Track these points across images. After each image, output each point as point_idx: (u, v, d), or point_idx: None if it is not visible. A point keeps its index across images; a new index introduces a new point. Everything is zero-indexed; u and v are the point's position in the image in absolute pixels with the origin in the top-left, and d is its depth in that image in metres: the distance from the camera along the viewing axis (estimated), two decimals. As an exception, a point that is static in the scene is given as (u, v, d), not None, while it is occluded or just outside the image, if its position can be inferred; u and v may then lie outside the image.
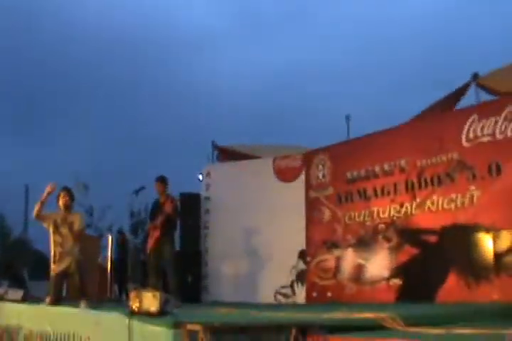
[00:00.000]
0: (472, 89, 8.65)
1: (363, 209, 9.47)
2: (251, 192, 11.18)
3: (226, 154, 12.67)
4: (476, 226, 7.78)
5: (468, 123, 8.12)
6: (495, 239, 7.54)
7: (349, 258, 9.63)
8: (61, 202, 8.24)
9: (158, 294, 4.64)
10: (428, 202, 8.51)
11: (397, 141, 9.15)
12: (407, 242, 8.79)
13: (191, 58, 69.00)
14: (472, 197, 7.91)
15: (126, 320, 4.53)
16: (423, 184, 8.64)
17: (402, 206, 8.87)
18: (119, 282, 14.45)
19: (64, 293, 8.80)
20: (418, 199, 8.66)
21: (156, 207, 9.97)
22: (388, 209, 9.06)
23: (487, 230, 7.64)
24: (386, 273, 8.93)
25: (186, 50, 71.51)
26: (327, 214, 10.08)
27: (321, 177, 10.35)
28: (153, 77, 64.99)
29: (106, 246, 13.41)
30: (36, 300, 9.06)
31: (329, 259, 9.93)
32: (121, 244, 14.89)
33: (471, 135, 8.06)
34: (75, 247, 8.11)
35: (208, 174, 12.08)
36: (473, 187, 7.93)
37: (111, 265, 12.80)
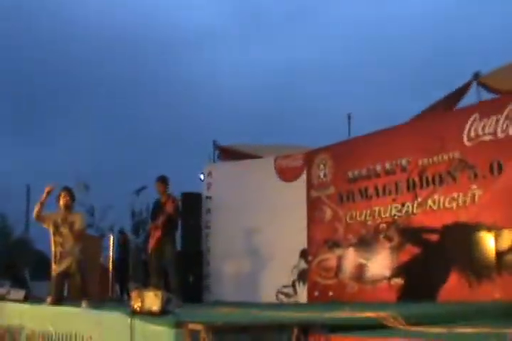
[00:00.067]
0: (473, 88, 8.64)
1: (364, 208, 9.46)
2: (252, 191, 11.18)
3: (227, 154, 12.67)
4: (477, 225, 7.78)
5: (469, 122, 8.11)
6: (496, 238, 7.53)
7: (350, 258, 9.63)
8: (61, 202, 8.24)
9: (159, 293, 4.64)
10: (429, 201, 8.50)
11: (399, 140, 9.15)
12: (409, 241, 8.79)
13: (192, 57, 68.99)
14: (474, 196, 7.91)
15: (128, 320, 4.53)
16: (424, 183, 8.63)
17: (403, 205, 8.87)
18: (120, 282, 14.47)
19: (65, 293, 8.81)
20: (419, 199, 8.65)
21: (157, 207, 9.97)
22: (390, 209, 9.06)
23: (489, 229, 7.63)
24: (387, 273, 8.93)
25: (187, 49, 71.53)
26: (328, 213, 10.08)
27: (322, 176, 10.35)
28: (154, 76, 64.97)
29: (107, 246, 13.45)
30: (38, 300, 9.07)
31: (331, 258, 9.93)
32: (122, 244, 14.90)
33: (473, 134, 8.06)
34: (76, 247, 8.11)
35: (210, 173, 12.08)
36: (474, 186, 7.92)
37: (112, 265, 12.83)
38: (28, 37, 61.80)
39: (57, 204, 8.31)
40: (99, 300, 9.60)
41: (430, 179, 8.55)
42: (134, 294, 4.81)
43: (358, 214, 9.55)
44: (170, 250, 9.75)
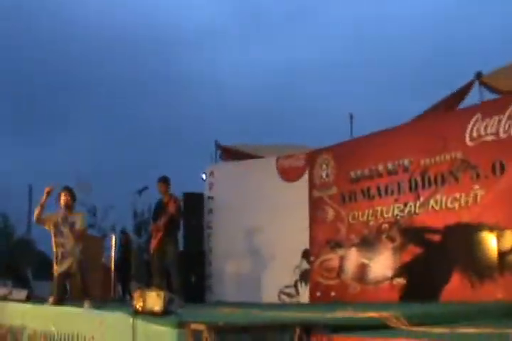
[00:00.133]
0: (476, 88, 8.64)
1: (366, 208, 9.46)
2: (254, 191, 11.18)
3: (229, 154, 12.67)
4: (479, 226, 7.77)
5: (471, 122, 8.10)
6: (499, 238, 7.52)
7: (353, 258, 9.62)
8: (62, 202, 8.23)
9: (162, 294, 4.64)
10: (432, 202, 8.50)
11: (401, 141, 9.14)
12: (411, 241, 8.78)
13: (192, 57, 68.98)
14: (476, 196, 7.90)
15: (130, 320, 4.53)
16: (427, 183, 8.63)
17: (405, 205, 8.86)
18: (122, 282, 14.46)
19: (68, 293, 8.82)
20: (422, 199, 8.65)
21: (160, 207, 9.98)
22: (392, 209, 9.05)
23: (491, 229, 7.62)
24: (390, 273, 8.92)
25: (187, 49, 71.50)
26: (331, 213, 10.07)
27: (324, 176, 10.35)
28: (154, 76, 64.97)
29: (109, 247, 13.44)
30: (40, 300, 9.07)
31: (333, 259, 9.92)
32: (124, 244, 14.90)
33: (475, 134, 8.05)
34: (77, 247, 8.11)
35: (212, 173, 12.08)
36: (477, 187, 7.92)
37: (114, 265, 12.83)
38: (28, 37, 61.83)
39: (58, 204, 8.31)
40: (101, 300, 9.60)
41: (432, 179, 8.54)
42: (136, 294, 4.81)
43: (360, 214, 9.54)
44: (172, 250, 9.76)
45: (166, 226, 9.69)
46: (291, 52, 68.73)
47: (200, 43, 73.01)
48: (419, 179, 8.73)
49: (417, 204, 8.70)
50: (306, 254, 10.41)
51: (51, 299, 7.91)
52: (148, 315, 4.55)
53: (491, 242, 7.62)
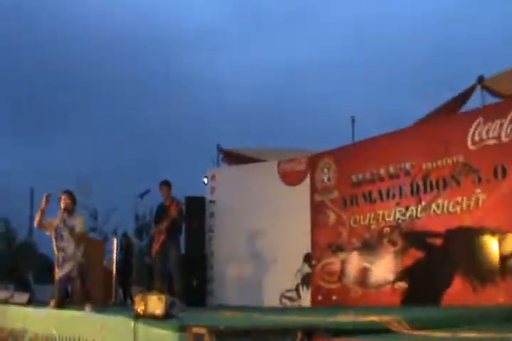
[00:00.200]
0: (477, 92, 8.64)
1: (368, 212, 9.45)
2: (256, 195, 11.17)
3: (231, 157, 12.67)
4: (481, 230, 7.76)
5: (473, 126, 8.10)
6: (501, 242, 7.52)
7: (354, 262, 9.61)
8: (62, 206, 8.23)
9: (163, 297, 4.64)
10: (433, 206, 8.49)
11: (403, 144, 9.14)
12: (413, 245, 8.77)
13: (192, 57, 68.97)
14: (478, 200, 7.89)
15: (132, 323, 4.53)
16: (428, 187, 8.62)
17: (407, 209, 8.86)
18: (123, 285, 14.45)
19: (69, 297, 8.81)
20: (423, 203, 8.64)
21: (161, 211, 10.00)
22: (393, 213, 9.05)
23: (493, 233, 7.61)
24: (391, 277, 8.91)
25: (187, 49, 71.45)
26: (332, 217, 10.07)
27: (326, 180, 10.34)
28: (154, 76, 64.95)
29: (111, 250, 13.43)
30: (41, 303, 9.07)
31: (334, 263, 9.91)
32: (125, 248, 14.88)
33: (477, 138, 8.05)
34: (78, 251, 8.10)
35: (213, 177, 12.08)
36: (478, 190, 7.91)
37: (116, 268, 12.82)
38: (28, 37, 61.76)
39: (59, 207, 8.30)
40: (103, 304, 9.60)
41: (434, 183, 8.54)
42: (137, 298, 4.81)
43: (361, 218, 9.53)
44: (174, 254, 9.77)
45: (168, 230, 9.71)
46: (291, 52, 68.68)
47: (200, 43, 72.90)
48: (420, 183, 8.72)
49: (419, 208, 8.69)
50: (307, 258, 10.40)
51: (52, 303, 7.91)
52: (149, 318, 4.55)
53: (492, 246, 7.61)
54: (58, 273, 8.09)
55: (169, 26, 68.78)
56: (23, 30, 62.55)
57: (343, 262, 9.77)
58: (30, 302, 9.21)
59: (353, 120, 10.72)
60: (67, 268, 8.04)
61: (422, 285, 8.49)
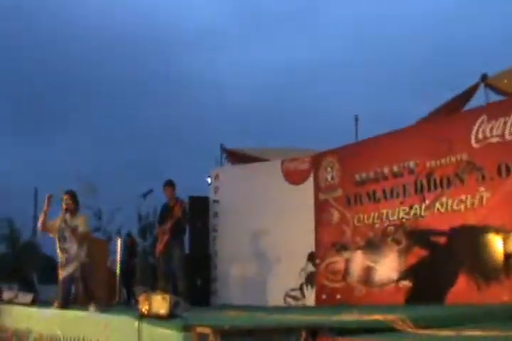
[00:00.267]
0: (481, 90, 8.63)
1: (372, 211, 9.44)
2: (259, 194, 11.17)
3: (235, 157, 12.67)
4: (485, 228, 7.75)
5: (477, 124, 8.09)
6: (505, 240, 7.51)
7: (358, 261, 9.60)
8: (64, 206, 8.21)
9: (167, 297, 4.64)
10: (437, 204, 8.48)
11: (406, 143, 9.12)
12: (417, 244, 8.76)
13: (192, 57, 68.96)
14: (482, 198, 7.88)
15: (136, 323, 4.52)
16: (432, 185, 8.61)
17: (411, 208, 8.85)
18: (127, 285, 14.45)
19: (73, 297, 8.81)
20: (427, 201, 8.63)
21: (166, 211, 10.00)
22: (397, 211, 9.04)
23: (497, 231, 7.61)
24: (395, 275, 8.91)
25: (187, 48, 71.42)
26: (336, 216, 10.06)
27: (329, 179, 10.34)
28: (154, 76, 64.95)
29: (115, 250, 13.43)
30: (45, 304, 9.09)
31: (338, 261, 9.91)
32: (129, 247, 14.88)
33: (480, 136, 8.03)
34: (81, 251, 8.08)
35: (217, 177, 12.08)
36: (482, 189, 7.90)
37: (120, 268, 12.82)
38: (28, 37, 61.82)
39: (62, 208, 8.29)
40: (107, 304, 9.60)
41: (438, 181, 8.53)
42: (141, 297, 4.80)
43: (365, 216, 9.53)
44: (178, 254, 9.77)
45: (172, 230, 9.71)
46: (291, 52, 68.70)
47: (200, 43, 72.89)
48: (424, 181, 8.71)
49: (423, 207, 8.68)
50: (311, 257, 10.40)
51: (56, 303, 7.91)
52: (153, 318, 4.54)
53: (496, 244, 7.60)
54: (62, 274, 8.08)
55: (169, 26, 68.79)
56: (23, 30, 62.54)
57: (347, 261, 9.76)
58: (34, 303, 9.24)
59: (356, 119, 10.69)
60: (71, 268, 8.03)
61: (426, 283, 8.48)
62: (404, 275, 8.80)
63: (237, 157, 12.61)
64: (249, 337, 3.77)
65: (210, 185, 12.20)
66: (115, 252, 13.20)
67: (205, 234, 11.77)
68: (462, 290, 7.88)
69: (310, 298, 10.31)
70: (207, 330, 3.71)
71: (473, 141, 8.12)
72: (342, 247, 9.87)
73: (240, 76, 66.28)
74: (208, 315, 6.66)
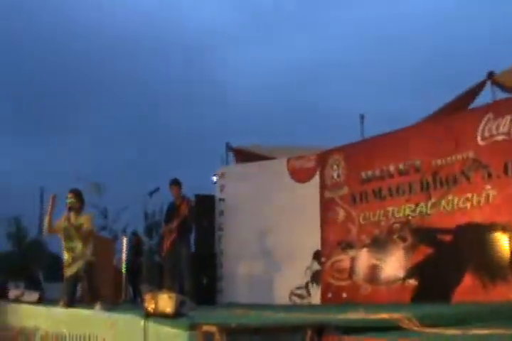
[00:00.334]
0: (487, 87, 8.60)
1: (377, 209, 9.43)
2: (265, 193, 11.16)
3: (241, 155, 12.66)
4: (491, 226, 7.73)
5: (483, 122, 8.06)
6: (511, 238, 7.49)
7: (364, 259, 9.59)
8: (68, 205, 8.20)
9: (173, 296, 4.64)
10: (443, 202, 8.46)
11: (412, 141, 9.10)
12: (422, 242, 8.75)
13: (192, 57, 69.03)
14: (488, 196, 7.86)
15: (142, 322, 4.53)
16: (438, 183, 8.59)
17: (417, 206, 8.83)
18: (133, 284, 14.47)
19: (78, 296, 8.82)
20: (433, 199, 8.61)
21: (172, 210, 10.00)
22: (403, 209, 9.02)
23: (503, 229, 7.58)
24: (401, 274, 8.89)
25: (188, 48, 71.48)
26: (342, 214, 10.05)
27: (335, 177, 10.33)
28: (155, 75, 65.01)
29: (120, 248, 13.45)
30: (51, 302, 9.10)
31: (344, 260, 9.90)
32: (135, 246, 14.90)
33: (487, 133, 8.01)
34: (86, 249, 8.07)
35: (222, 175, 12.07)
36: (488, 187, 7.88)
37: (126, 267, 12.83)
38: (28, 36, 61.96)
39: (66, 207, 8.29)
40: (113, 302, 9.61)
41: (444, 179, 8.51)
42: (147, 296, 4.80)
43: (371, 214, 9.51)
44: (185, 252, 9.78)
45: (178, 229, 9.72)
46: (292, 52, 68.79)
47: (200, 42, 73.01)
48: (430, 179, 8.70)
49: (429, 205, 8.67)
50: (317, 255, 10.39)
51: (62, 302, 7.92)
52: (159, 317, 4.54)
53: (502, 242, 7.58)
54: (67, 273, 8.08)
55: (171, 24, 68.89)
56: (24, 29, 62.69)
57: (353, 259, 9.75)
58: (40, 301, 9.25)
59: (362, 117, 10.67)
60: (76, 267, 8.03)
61: (432, 281, 8.47)
62: (410, 273, 8.78)
63: (243, 155, 12.59)
64: (255, 335, 3.77)
65: (215, 183, 12.19)
66: (121, 251, 13.20)
67: (211, 232, 11.77)
68: (468, 288, 7.86)
69: (316, 296, 10.31)
70: (213, 329, 3.71)
71: (479, 138, 8.09)
72: (348, 245, 9.86)
73: (240, 76, 66.43)
74: (214, 314, 6.67)
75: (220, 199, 11.92)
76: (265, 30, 75.00)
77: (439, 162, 8.58)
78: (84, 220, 8.11)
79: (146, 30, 68.72)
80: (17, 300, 9.52)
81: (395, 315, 4.55)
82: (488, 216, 7.83)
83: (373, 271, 9.38)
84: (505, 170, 7.70)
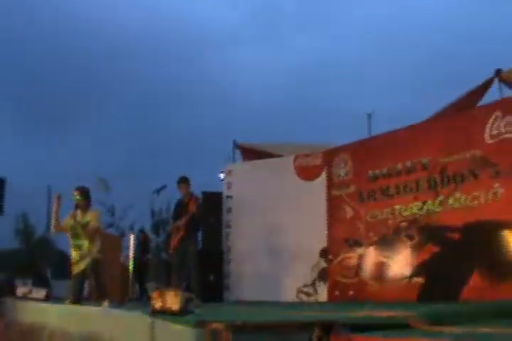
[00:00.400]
0: (495, 85, 8.57)
1: (385, 207, 9.41)
2: (272, 190, 11.16)
3: (248, 153, 12.66)
4: (499, 224, 7.71)
5: (491, 120, 8.04)
6: (519, 237, 7.47)
7: (371, 257, 9.58)
8: (74, 203, 8.22)
9: (180, 293, 4.64)
10: (451, 200, 8.44)
11: (419, 138, 9.09)
12: (430, 240, 8.73)
13: (193, 57, 69.10)
14: (496, 194, 7.84)
15: (149, 319, 4.53)
16: (446, 181, 8.57)
17: (424, 204, 8.81)
18: (139, 281, 14.50)
19: (86, 293, 8.85)
20: (441, 197, 8.59)
21: (180, 207, 10.02)
22: (410, 207, 9.01)
23: (511, 227, 7.56)
24: (408, 271, 8.88)
25: (189, 47, 71.48)
26: (349, 212, 10.04)
27: (342, 175, 10.31)
28: (154, 74, 65.05)
29: (127, 246, 13.48)
30: (58, 299, 9.12)
31: (351, 257, 9.89)
32: (142, 243, 14.93)
33: (495, 131, 7.98)
34: (93, 247, 8.09)
35: (229, 173, 12.07)
36: (497, 184, 7.85)
37: (132, 264, 12.86)
38: (29, 35, 62.02)
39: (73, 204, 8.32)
40: (120, 300, 9.63)
41: (451, 177, 8.49)
42: (154, 293, 4.81)
43: (378, 212, 9.50)
44: (193, 250, 9.81)
45: (186, 226, 9.73)
46: (292, 52, 68.85)
47: (205, 40, 73.06)
48: (438, 177, 8.68)
49: (436, 203, 8.65)
50: (324, 253, 10.38)
51: (69, 299, 7.94)
52: (166, 314, 4.54)
53: (510, 240, 7.55)
54: (74, 270, 8.10)
55: (172, 21, 68.89)
56: (25, 26, 62.78)
57: (360, 257, 9.74)
58: (47, 298, 9.26)
59: (369, 116, 10.67)
60: (83, 264, 8.05)
61: (440, 280, 8.45)
62: (417, 271, 8.77)
63: (250, 153, 12.60)
64: (262, 332, 3.77)
65: (222, 180, 12.20)
66: (128, 248, 13.24)
67: (219, 229, 11.77)
68: (476, 286, 7.84)
69: (322, 293, 10.30)
70: (219, 326, 3.70)
71: (487, 136, 8.07)
72: (355, 243, 9.85)
73: (244, 75, 66.49)
74: (221, 311, 6.67)
75: (228, 197, 11.92)
76: (265, 30, 75.06)
77: (446, 160, 8.55)
78: (91, 217, 8.13)
79: (145, 30, 68.84)
80: (24, 297, 9.53)
81: (403, 313, 4.54)
82: (496, 214, 7.80)
83: (380, 269, 9.37)
84: (514, 168, 7.68)
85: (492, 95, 8.66)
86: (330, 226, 10.35)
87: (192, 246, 9.84)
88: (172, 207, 11.31)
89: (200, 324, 3.90)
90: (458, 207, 8.34)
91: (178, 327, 4.16)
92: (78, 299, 7.90)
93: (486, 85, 8.69)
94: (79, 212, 8.18)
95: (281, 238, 10.85)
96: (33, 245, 31.99)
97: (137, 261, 13.51)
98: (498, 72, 8.48)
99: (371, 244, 9.58)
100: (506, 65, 8.52)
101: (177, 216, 10.03)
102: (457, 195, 8.36)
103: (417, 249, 8.86)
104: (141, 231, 16.52)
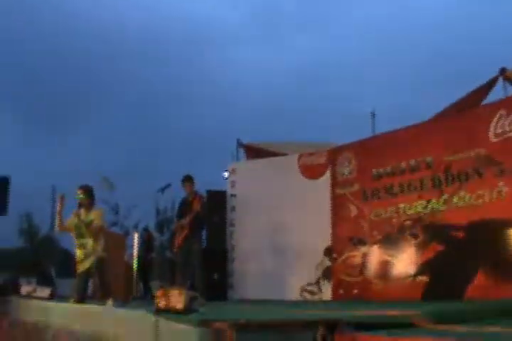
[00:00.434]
0: (500, 84, 8.56)
1: (389, 205, 9.40)
2: (276, 189, 11.15)
3: (252, 151, 12.65)
4: (504, 222, 7.70)
5: (495, 118, 8.02)
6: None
7: (375, 255, 9.57)
8: (78, 201, 8.22)
9: (184, 292, 4.64)
10: (455, 198, 8.43)
11: (424, 137, 9.07)
12: (434, 239, 8.72)
13: (193, 57, 69.10)
14: (500, 192, 7.82)
15: (153, 318, 4.53)
16: (450, 180, 8.56)
17: (428, 202, 8.80)
18: (144, 280, 14.52)
19: (90, 292, 8.85)
20: (445, 196, 8.58)
21: (184, 205, 10.02)
22: (415, 206, 9.00)
23: (515, 226, 7.56)
24: (413, 270, 8.87)
25: (188, 45, 71.43)
26: (353, 210, 10.03)
27: (346, 173, 10.31)
28: (155, 74, 65.05)
29: (132, 244, 13.50)
30: (63, 298, 9.13)
31: (355, 256, 9.88)
32: (146, 242, 14.94)
33: (499, 130, 7.97)
34: (97, 245, 8.10)
35: (233, 171, 12.07)
36: (501, 183, 7.84)
37: (137, 263, 12.87)
38: (29, 35, 61.98)
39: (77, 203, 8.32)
40: (124, 298, 9.64)
41: (456, 176, 8.48)
42: (158, 292, 4.81)
43: (382, 211, 9.49)
44: (197, 249, 9.81)
45: (191, 225, 9.74)
46: (292, 52, 68.84)
47: (209, 41, 73.07)
48: (442, 176, 8.66)
49: (440, 201, 8.64)
50: (328, 252, 10.37)
51: (73, 298, 7.94)
52: (170, 313, 4.54)
53: (515, 239, 7.55)
54: (79, 269, 8.11)
55: (172, 20, 68.82)
56: (24, 28, 62.85)
57: (364, 255, 9.73)
58: (52, 297, 9.28)
59: (373, 115, 10.66)
60: (88, 263, 8.06)
61: (444, 278, 8.44)
62: (421, 269, 8.76)
63: (254, 151, 12.59)
64: (266, 331, 3.76)
65: (226, 179, 12.20)
66: (132, 247, 13.25)
67: (223, 228, 11.77)
68: (480, 285, 7.83)
69: (327, 292, 10.30)
70: (223, 325, 3.70)
71: (491, 135, 8.05)
72: (359, 242, 9.84)
73: (245, 75, 66.51)
74: (225, 310, 6.67)
75: (232, 195, 11.92)
76: (265, 30, 75.07)
77: (451, 158, 8.54)
78: (95, 216, 8.13)
79: (145, 30, 68.83)
80: (29, 296, 9.55)
81: (407, 312, 4.53)
82: (500, 212, 7.79)
83: (385, 268, 9.36)
84: (518, 167, 7.67)
85: (496, 94, 8.65)
86: (334, 224, 10.35)
87: (196, 245, 9.84)
88: (176, 205, 11.31)
89: (204, 323, 3.90)
90: (462, 205, 8.33)
91: (182, 325, 4.16)
92: (82, 298, 7.90)
93: (491, 84, 8.67)
94: (82, 210, 8.18)
95: (286, 236, 10.85)
96: (37, 244, 32.05)
97: (141, 260, 13.52)
98: (503, 71, 8.46)
99: (375, 243, 9.57)
100: (509, 64, 8.51)
101: (181, 214, 10.04)
102: (462, 193, 8.35)
103: (421, 247, 8.85)
104: (146, 229, 16.53)
